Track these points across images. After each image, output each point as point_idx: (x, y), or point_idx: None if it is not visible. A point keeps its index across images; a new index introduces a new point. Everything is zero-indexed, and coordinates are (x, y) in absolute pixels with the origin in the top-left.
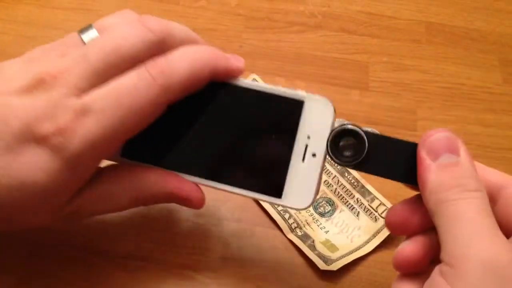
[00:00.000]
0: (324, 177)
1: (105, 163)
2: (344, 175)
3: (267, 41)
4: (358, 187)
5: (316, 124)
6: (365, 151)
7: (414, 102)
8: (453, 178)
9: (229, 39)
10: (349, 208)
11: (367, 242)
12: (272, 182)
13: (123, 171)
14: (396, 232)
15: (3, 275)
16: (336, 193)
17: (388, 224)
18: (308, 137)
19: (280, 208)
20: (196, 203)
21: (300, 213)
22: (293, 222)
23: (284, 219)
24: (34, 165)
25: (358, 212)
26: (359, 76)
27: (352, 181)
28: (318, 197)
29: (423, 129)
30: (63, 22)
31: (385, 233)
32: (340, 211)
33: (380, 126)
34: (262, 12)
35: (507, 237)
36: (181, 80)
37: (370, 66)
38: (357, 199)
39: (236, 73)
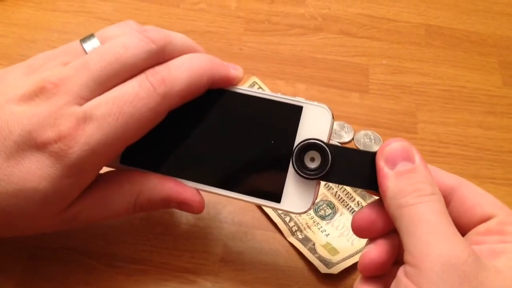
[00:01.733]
0: None
1: (104, 169)
2: None
3: (267, 44)
4: (358, 190)
5: (315, 130)
6: (329, 164)
7: (414, 105)
8: (410, 184)
9: (229, 41)
10: (350, 211)
11: (366, 245)
12: (271, 187)
13: (122, 176)
14: (362, 235)
15: (3, 278)
16: (337, 196)
17: (354, 229)
18: None
19: (280, 211)
20: (195, 207)
21: (300, 216)
22: (294, 225)
23: (284, 222)
24: (35, 172)
25: None
26: (359, 79)
27: None
28: (318, 200)
29: (423, 131)
30: (64, 24)
31: None
32: (341, 214)
33: (380, 129)
34: (262, 15)
35: (462, 234)
36: (181, 88)
37: (370, 68)
38: (357, 202)
39: (234, 81)
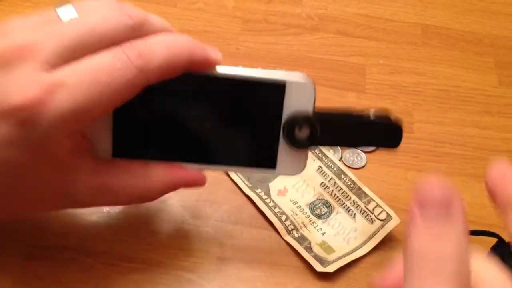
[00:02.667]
0: (321, 179)
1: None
2: (341, 177)
3: (264, 43)
4: (354, 189)
5: (300, 101)
6: (318, 133)
7: (410, 105)
8: (433, 246)
9: (226, 41)
10: (346, 210)
11: (363, 244)
12: (266, 156)
13: (122, 166)
14: None
15: (1, 276)
16: (333, 195)
17: None
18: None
19: (277, 210)
20: (200, 183)
21: (296, 215)
22: (290, 224)
23: (281, 221)
24: (2, 142)
25: (355, 214)
26: (356, 79)
27: (349, 183)
28: (314, 199)
29: (419, 131)
30: None
31: (381, 235)
32: (337, 213)
33: None
34: (259, 15)
35: None
36: (158, 65)
37: (366, 68)
38: (353, 201)
39: (213, 63)
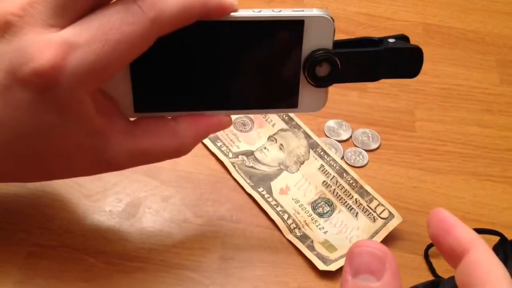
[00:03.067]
0: (323, 178)
1: None
2: (343, 175)
3: None
4: (356, 188)
5: (319, 38)
6: (338, 70)
7: (412, 103)
8: None
9: None
10: (348, 208)
11: None
12: (288, 96)
13: (150, 126)
14: None
15: (2, 276)
16: (335, 193)
17: None
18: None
19: (279, 208)
20: (226, 125)
21: (299, 213)
22: (292, 223)
23: (283, 219)
24: (28, 109)
25: (357, 212)
26: None
27: (351, 181)
28: (316, 197)
29: (421, 130)
30: None
31: (384, 233)
32: (339, 212)
33: (378, 127)
34: None
35: None
36: (172, 13)
37: None
38: (355, 199)
39: (229, 9)
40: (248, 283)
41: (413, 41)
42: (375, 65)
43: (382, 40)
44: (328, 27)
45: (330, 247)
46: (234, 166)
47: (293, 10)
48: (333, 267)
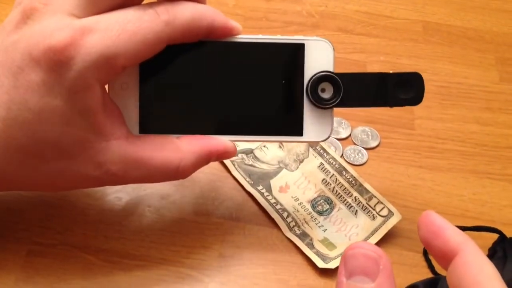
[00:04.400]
0: (322, 176)
1: None
2: (342, 173)
3: None
4: (356, 186)
5: (320, 63)
6: (342, 92)
7: None
8: None
9: None
10: (347, 206)
11: (365, 240)
12: (292, 124)
13: (152, 140)
14: None
15: (3, 274)
16: (334, 191)
17: None
18: None
19: (278, 207)
20: (232, 152)
21: (298, 211)
22: (292, 221)
23: (282, 217)
24: (38, 88)
25: (356, 210)
26: None
27: (350, 179)
28: (316, 195)
29: (420, 128)
30: None
31: (383, 231)
32: (338, 210)
33: (377, 125)
34: (260, 12)
35: None
36: (183, 22)
37: (367, 65)
38: (355, 197)
39: (233, 31)
40: (247, 281)
41: (413, 39)
42: (377, 91)
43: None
44: (328, 51)
45: (330, 245)
46: (234, 165)
47: (293, 36)
48: (332, 265)
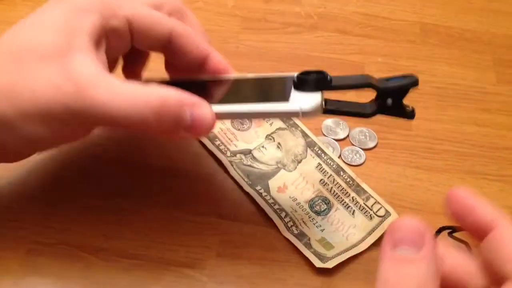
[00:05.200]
0: (320, 176)
1: None
2: (340, 174)
3: (264, 42)
4: (353, 186)
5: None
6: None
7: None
8: (400, 277)
9: (226, 40)
10: (345, 206)
11: (362, 240)
12: (279, 93)
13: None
14: None
15: (2, 273)
16: (332, 192)
17: None
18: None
19: (276, 206)
20: (208, 119)
21: (296, 211)
22: (289, 221)
23: (280, 217)
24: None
25: (354, 210)
26: None
27: (348, 180)
28: (314, 196)
29: (418, 128)
30: None
31: (380, 231)
32: (336, 210)
33: (375, 126)
34: (259, 13)
35: (498, 279)
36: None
37: (365, 66)
38: (352, 197)
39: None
40: (245, 281)
41: (411, 40)
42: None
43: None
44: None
45: (327, 244)
46: (232, 165)
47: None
48: (329, 264)
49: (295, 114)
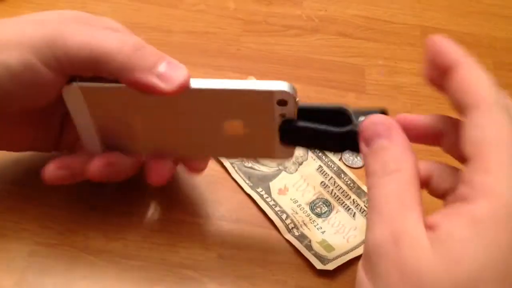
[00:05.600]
0: (321, 179)
1: None
2: (341, 176)
3: (265, 45)
4: (354, 188)
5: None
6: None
7: (409, 105)
8: (378, 164)
9: (227, 42)
10: (346, 208)
11: (363, 242)
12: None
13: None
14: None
15: (5, 274)
16: (333, 194)
17: None
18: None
19: (277, 208)
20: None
21: (297, 213)
22: (290, 223)
23: (281, 219)
24: None
25: (354, 212)
26: (356, 79)
27: (349, 182)
28: (315, 198)
29: None
30: None
31: None
32: (337, 212)
33: None
34: (260, 16)
35: (460, 110)
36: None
37: (366, 69)
38: (353, 200)
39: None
40: (246, 282)
41: (411, 43)
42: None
43: (351, 117)
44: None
45: (328, 246)
46: (234, 167)
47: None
48: (330, 266)
49: (269, 93)
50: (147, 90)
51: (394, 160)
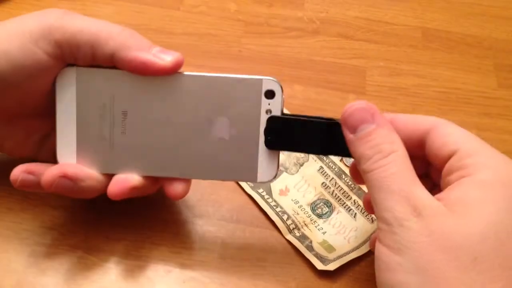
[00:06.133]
0: (322, 179)
1: None
2: (342, 177)
3: (266, 46)
4: (355, 189)
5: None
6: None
7: (410, 106)
8: (370, 148)
9: (229, 44)
10: (346, 209)
11: (363, 243)
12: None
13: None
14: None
15: (6, 274)
16: (334, 195)
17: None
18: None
19: (278, 209)
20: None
21: (298, 214)
22: (291, 223)
23: (282, 220)
24: None
25: (355, 213)
26: (357, 81)
27: (349, 183)
28: (316, 198)
29: None
30: None
31: None
32: (337, 213)
33: None
34: (261, 18)
35: (439, 175)
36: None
37: (367, 70)
38: (354, 200)
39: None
40: (247, 283)
41: (412, 45)
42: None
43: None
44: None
45: (329, 247)
46: None
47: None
48: (331, 267)
49: (258, 80)
50: (144, 67)
51: (387, 141)
